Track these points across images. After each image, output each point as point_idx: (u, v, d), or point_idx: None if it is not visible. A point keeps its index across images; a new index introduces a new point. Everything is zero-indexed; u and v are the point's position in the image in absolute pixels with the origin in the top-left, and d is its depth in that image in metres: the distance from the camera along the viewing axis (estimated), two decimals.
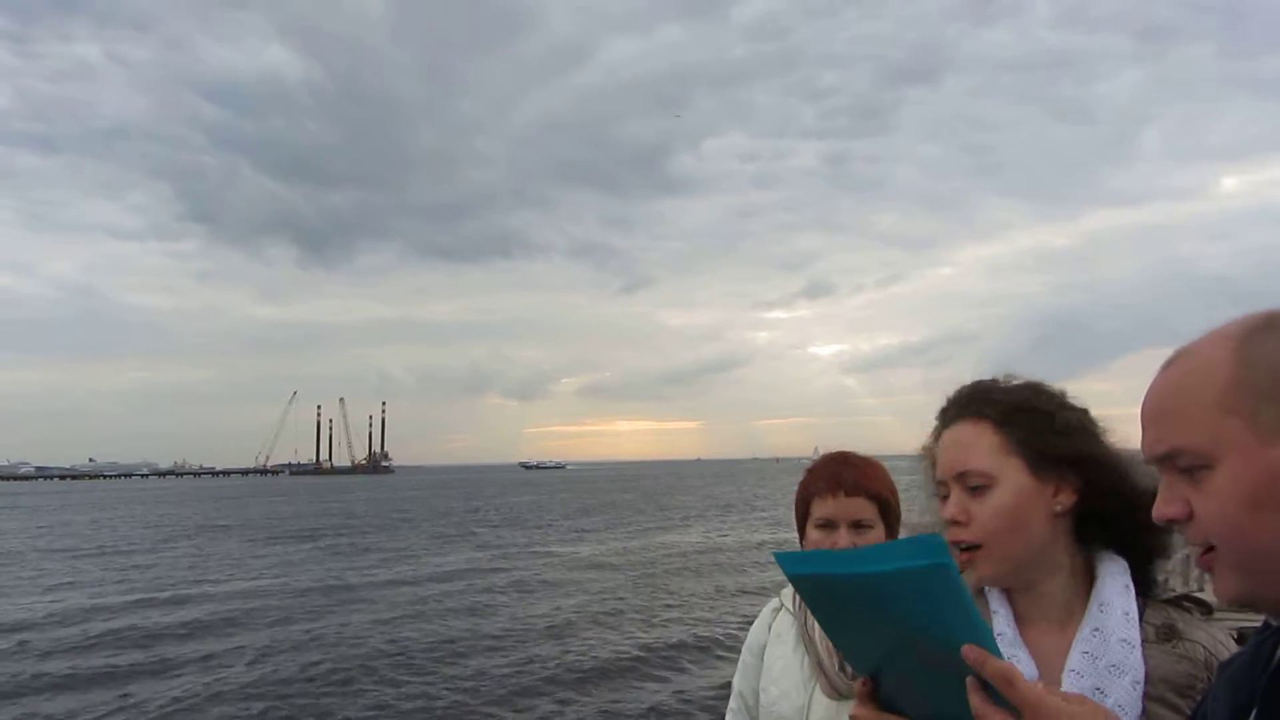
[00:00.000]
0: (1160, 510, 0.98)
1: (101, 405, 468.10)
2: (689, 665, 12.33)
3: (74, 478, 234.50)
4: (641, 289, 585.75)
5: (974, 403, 1.44)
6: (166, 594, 19.37)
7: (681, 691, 11.00)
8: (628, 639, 13.61)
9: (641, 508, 47.54)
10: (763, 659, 2.03)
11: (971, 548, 1.36)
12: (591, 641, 13.59)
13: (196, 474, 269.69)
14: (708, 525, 35.27)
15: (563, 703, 10.70)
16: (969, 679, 0.97)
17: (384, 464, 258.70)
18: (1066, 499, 1.37)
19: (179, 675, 12.18)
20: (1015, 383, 1.47)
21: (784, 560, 1.08)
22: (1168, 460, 0.96)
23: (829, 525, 1.90)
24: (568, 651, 12.99)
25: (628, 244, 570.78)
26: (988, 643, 0.96)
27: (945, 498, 1.42)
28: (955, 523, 1.37)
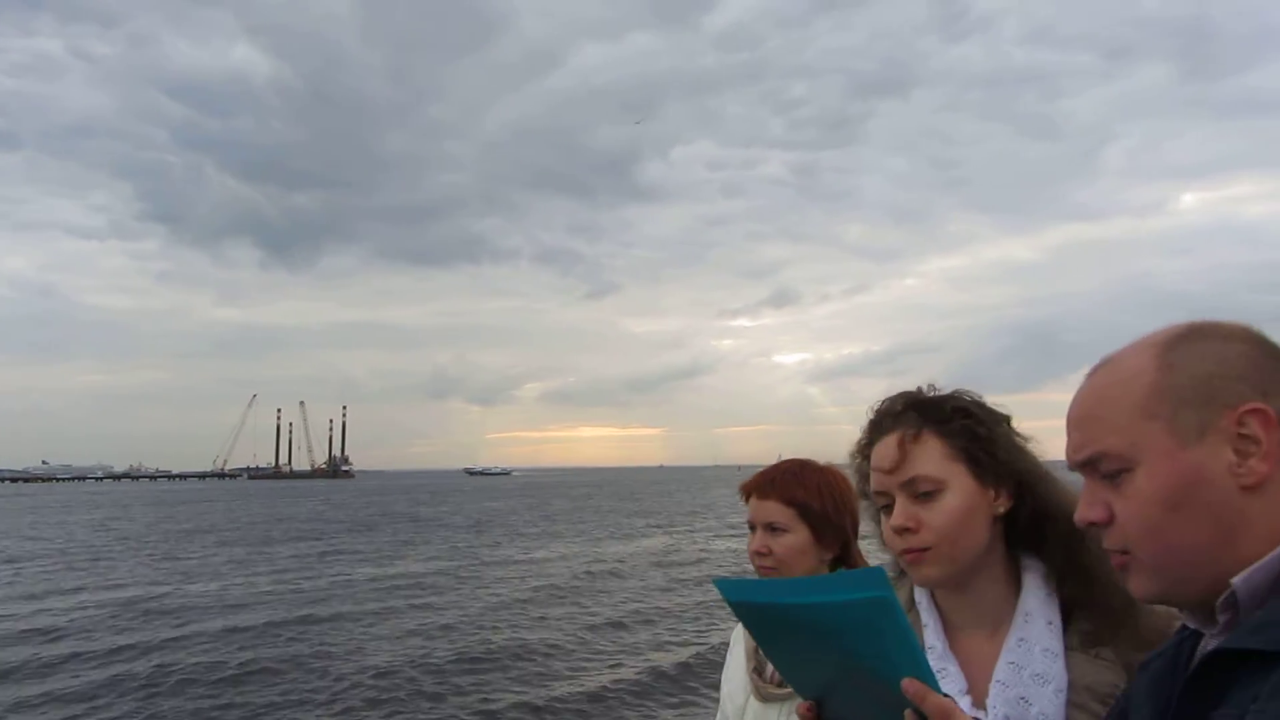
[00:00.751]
0: (1082, 513, 1.01)
1: (56, 406, 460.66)
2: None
3: (26, 480, 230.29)
4: (607, 295, 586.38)
5: (912, 411, 1.44)
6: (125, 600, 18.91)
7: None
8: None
9: (568, 517, 46.95)
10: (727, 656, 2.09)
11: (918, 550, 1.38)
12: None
13: (153, 477, 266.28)
14: (632, 535, 35.13)
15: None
16: (907, 711, 0.99)
17: (344, 468, 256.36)
18: (1003, 503, 1.39)
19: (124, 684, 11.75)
20: (943, 392, 1.48)
21: (724, 587, 1.09)
22: (1091, 465, 1.00)
23: (751, 526, 1.93)
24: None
25: (595, 250, 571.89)
26: (927, 676, 0.98)
27: (885, 508, 1.43)
28: (906, 530, 1.38)
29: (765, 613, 1.08)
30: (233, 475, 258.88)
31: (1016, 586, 1.41)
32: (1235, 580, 0.90)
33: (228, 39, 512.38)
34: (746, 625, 1.14)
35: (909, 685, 0.97)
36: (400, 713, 10.42)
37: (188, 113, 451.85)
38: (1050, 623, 1.35)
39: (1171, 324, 1.01)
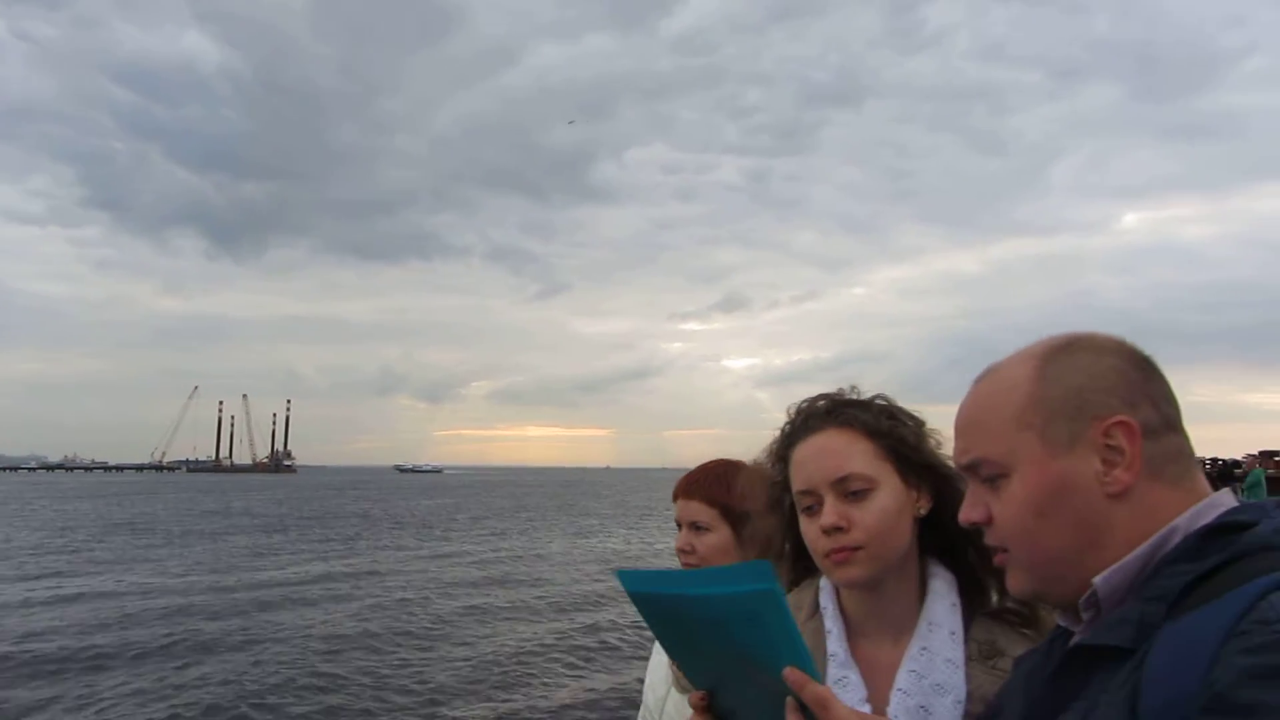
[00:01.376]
0: (964, 514, 1.07)
1: None
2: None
3: None
4: (558, 295, 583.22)
5: (839, 412, 1.45)
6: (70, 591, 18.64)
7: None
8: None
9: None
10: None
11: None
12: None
13: (88, 468, 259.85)
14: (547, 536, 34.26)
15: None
16: (788, 699, 1.03)
17: (286, 463, 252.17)
18: (925, 504, 1.41)
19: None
20: (866, 395, 1.49)
21: (624, 578, 1.13)
22: (972, 469, 1.06)
23: (678, 525, 1.96)
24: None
25: (546, 250, 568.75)
26: (808, 667, 1.02)
27: (808, 509, 1.41)
28: (837, 529, 1.36)
29: (660, 603, 1.11)
30: (170, 468, 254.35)
31: (923, 593, 1.42)
32: (1096, 580, 0.96)
33: (178, 25, 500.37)
34: (644, 615, 1.15)
35: (790, 674, 1.02)
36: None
37: (135, 99, 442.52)
38: (953, 633, 1.37)
39: (1052, 336, 1.06)
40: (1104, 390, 0.99)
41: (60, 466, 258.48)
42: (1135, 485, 0.97)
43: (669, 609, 1.11)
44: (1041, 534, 1.00)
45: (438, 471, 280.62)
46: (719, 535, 1.89)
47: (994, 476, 1.04)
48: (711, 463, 1.99)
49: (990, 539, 1.06)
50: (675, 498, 1.98)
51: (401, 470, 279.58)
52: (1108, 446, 0.97)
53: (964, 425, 1.09)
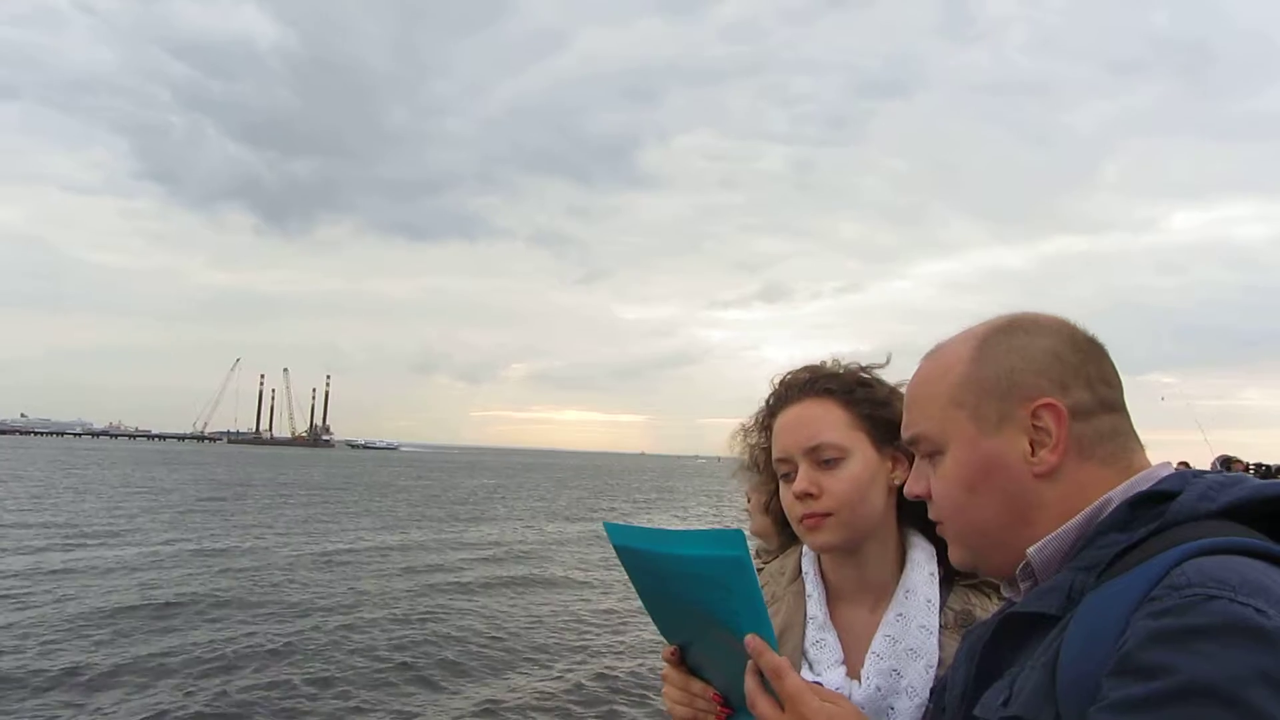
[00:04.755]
0: (909, 487, 1.11)
1: (39, 359, 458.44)
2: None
3: (4, 432, 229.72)
4: (599, 280, 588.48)
5: (816, 382, 1.49)
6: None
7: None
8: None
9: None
10: None
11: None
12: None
13: (132, 436, 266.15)
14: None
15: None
16: (748, 664, 1.07)
17: (324, 438, 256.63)
18: (901, 474, 1.43)
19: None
20: (846, 365, 1.54)
21: (611, 530, 1.18)
22: (913, 444, 1.09)
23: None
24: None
25: (589, 235, 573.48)
26: (768, 635, 1.06)
27: (785, 476, 1.47)
28: (808, 495, 1.41)
29: (639, 558, 1.16)
30: (212, 438, 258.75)
31: (902, 562, 1.47)
32: (1030, 550, 0.99)
33: (234, 1, 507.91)
34: (626, 568, 1.20)
35: (751, 641, 1.06)
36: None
37: (191, 73, 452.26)
38: (930, 601, 1.41)
39: (997, 316, 1.08)
40: (1034, 372, 1.01)
41: (105, 433, 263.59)
42: (1063, 465, 0.99)
43: (647, 565, 1.16)
44: (972, 509, 1.03)
45: (393, 448, 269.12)
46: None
47: (932, 453, 1.07)
48: None
49: (930, 512, 1.09)
50: None
51: (354, 446, 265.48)
52: (1035, 427, 0.99)
53: (908, 401, 1.12)
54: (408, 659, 11.36)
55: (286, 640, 12.05)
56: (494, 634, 12.93)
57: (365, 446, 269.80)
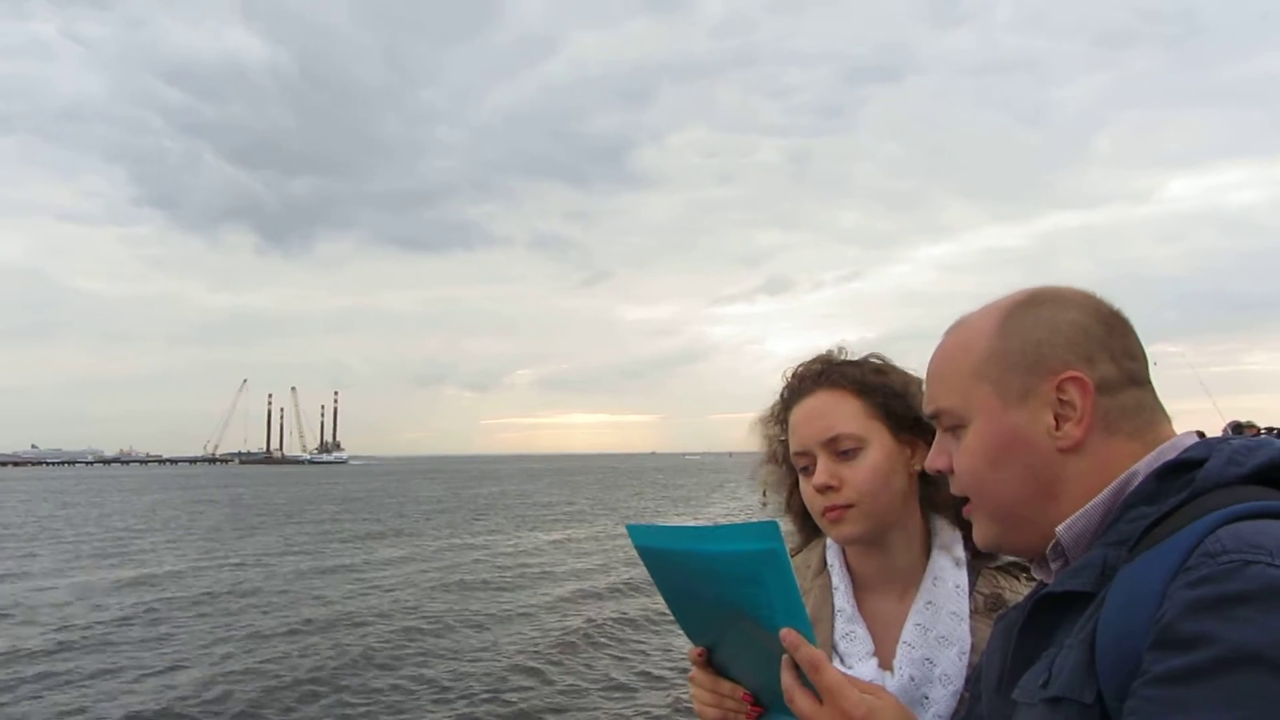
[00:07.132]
0: (929, 461, 1.08)
1: (47, 390, 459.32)
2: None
3: (16, 464, 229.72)
4: (601, 282, 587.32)
5: (830, 373, 1.47)
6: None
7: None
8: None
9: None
10: None
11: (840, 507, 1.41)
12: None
13: (143, 461, 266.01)
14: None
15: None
16: (784, 658, 1.04)
17: (337, 454, 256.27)
18: (920, 460, 1.40)
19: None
20: (858, 355, 1.52)
21: (634, 532, 1.15)
22: (935, 418, 1.07)
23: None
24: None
25: (589, 237, 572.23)
26: (805, 629, 1.03)
27: (804, 469, 1.45)
28: (828, 488, 1.40)
29: (666, 559, 1.13)
30: (224, 460, 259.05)
31: (928, 549, 1.45)
32: (1059, 528, 0.96)
33: (222, 22, 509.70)
34: (650, 570, 1.17)
35: (787, 634, 1.02)
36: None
37: (183, 97, 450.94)
38: (958, 586, 1.39)
39: (1021, 289, 1.06)
40: (1061, 345, 0.99)
41: (116, 460, 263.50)
42: (1088, 440, 0.97)
43: (674, 565, 1.12)
44: (996, 484, 1.01)
45: (342, 462, 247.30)
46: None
47: (954, 427, 1.05)
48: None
49: (953, 487, 1.07)
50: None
51: (314, 462, 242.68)
52: (1060, 401, 0.97)
53: (930, 375, 1.09)
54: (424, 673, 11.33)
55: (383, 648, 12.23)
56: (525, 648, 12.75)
57: (312, 462, 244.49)
